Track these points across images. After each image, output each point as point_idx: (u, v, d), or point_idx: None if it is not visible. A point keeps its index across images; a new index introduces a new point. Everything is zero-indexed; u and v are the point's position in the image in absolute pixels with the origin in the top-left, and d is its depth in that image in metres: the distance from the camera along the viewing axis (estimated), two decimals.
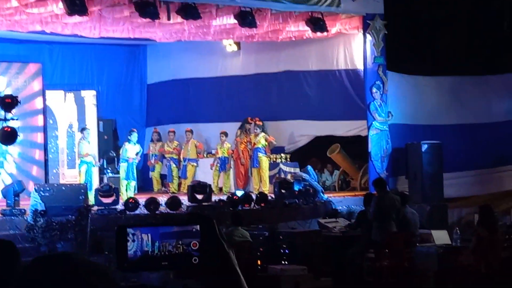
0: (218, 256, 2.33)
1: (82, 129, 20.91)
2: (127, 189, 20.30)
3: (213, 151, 22.88)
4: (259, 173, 21.38)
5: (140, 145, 21.97)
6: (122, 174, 20.70)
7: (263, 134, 21.44)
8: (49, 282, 1.90)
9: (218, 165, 21.95)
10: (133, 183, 20.73)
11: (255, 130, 21.53)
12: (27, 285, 1.91)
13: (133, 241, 2.38)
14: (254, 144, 21.47)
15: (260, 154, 21.29)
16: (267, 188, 20.58)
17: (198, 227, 2.40)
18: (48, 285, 1.88)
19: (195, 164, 22.42)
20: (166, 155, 22.78)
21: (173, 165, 22.60)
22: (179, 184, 22.55)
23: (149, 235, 2.39)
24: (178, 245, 2.34)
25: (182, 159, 22.50)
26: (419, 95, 21.40)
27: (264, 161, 21.31)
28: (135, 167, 21.02)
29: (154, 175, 23.14)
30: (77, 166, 20.70)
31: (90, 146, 20.50)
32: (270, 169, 21.54)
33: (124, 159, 20.79)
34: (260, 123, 21.66)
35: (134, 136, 21.08)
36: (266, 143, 21.41)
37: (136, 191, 21.00)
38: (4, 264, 2.15)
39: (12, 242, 2.49)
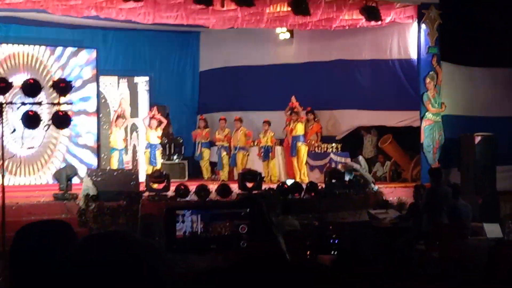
0: (266, 240, 2.30)
1: (117, 117, 21.05)
2: None
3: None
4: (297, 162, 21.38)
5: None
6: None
7: (300, 123, 21.35)
8: (102, 259, 1.90)
9: (262, 154, 21.94)
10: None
11: (292, 116, 21.47)
12: (80, 263, 1.92)
13: (182, 222, 2.35)
14: (291, 131, 21.42)
15: (298, 143, 21.27)
16: (306, 178, 20.50)
17: (247, 210, 2.36)
18: (101, 263, 1.89)
19: (246, 152, 22.40)
20: (217, 143, 22.79)
21: (224, 153, 22.59)
22: (229, 172, 22.57)
23: (199, 216, 2.36)
24: (227, 228, 2.31)
25: (233, 148, 22.49)
26: (473, 86, 21.15)
27: (303, 150, 21.25)
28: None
29: (203, 163, 23.10)
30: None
31: (121, 133, 20.74)
32: (320, 159, 21.48)
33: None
34: (299, 109, 21.55)
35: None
36: (304, 132, 21.38)
37: (186, 178, 21.14)
38: (62, 245, 2.17)
39: (69, 224, 2.50)
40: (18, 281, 2.47)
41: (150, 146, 20.96)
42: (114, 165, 20.20)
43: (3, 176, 12.97)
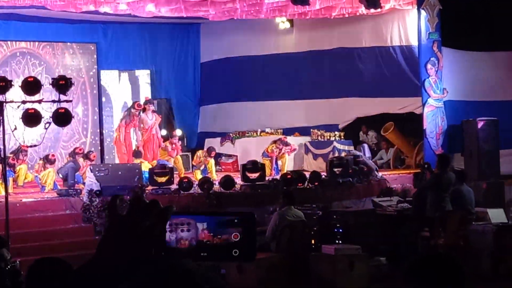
0: (255, 249, 2.30)
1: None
2: None
3: (266, 130, 22.87)
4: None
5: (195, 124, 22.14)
6: None
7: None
8: None
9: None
10: None
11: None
12: None
13: (171, 231, 2.31)
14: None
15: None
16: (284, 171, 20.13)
17: (240, 217, 2.34)
18: None
19: None
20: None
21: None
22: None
23: (191, 222, 2.31)
24: (218, 235, 2.28)
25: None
26: (474, 71, 21.08)
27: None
28: None
29: None
30: None
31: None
32: (323, 147, 21.47)
33: None
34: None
35: None
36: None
37: (191, 169, 21.13)
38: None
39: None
40: None
41: None
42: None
43: (5, 174, 13.00)
